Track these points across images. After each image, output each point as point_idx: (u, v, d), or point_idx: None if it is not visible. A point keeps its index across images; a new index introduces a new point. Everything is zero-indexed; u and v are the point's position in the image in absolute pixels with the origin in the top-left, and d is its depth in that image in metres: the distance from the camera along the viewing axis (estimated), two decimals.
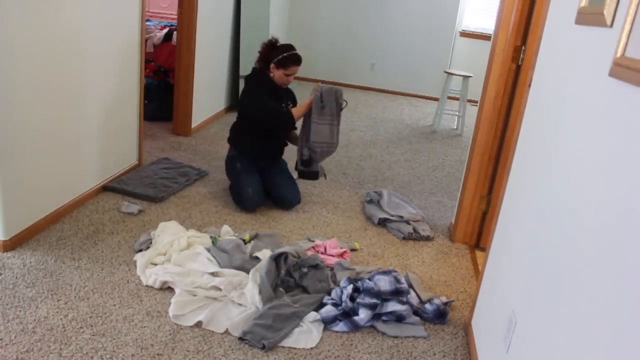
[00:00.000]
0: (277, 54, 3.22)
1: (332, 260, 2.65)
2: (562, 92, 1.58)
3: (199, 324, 2.11)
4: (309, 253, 2.67)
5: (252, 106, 3.24)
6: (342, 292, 2.32)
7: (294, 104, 3.44)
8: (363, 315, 2.21)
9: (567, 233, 1.33)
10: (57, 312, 2.10)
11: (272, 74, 3.25)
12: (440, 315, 2.32)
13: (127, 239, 2.71)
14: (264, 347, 2.01)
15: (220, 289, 2.29)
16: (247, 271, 2.40)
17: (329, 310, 2.24)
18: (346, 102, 3.25)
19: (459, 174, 4.27)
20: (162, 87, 4.84)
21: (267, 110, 3.22)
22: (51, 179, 2.74)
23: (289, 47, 3.29)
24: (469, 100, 6.25)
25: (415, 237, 3.10)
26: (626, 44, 1.08)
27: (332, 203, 3.50)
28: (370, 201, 3.47)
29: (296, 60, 3.27)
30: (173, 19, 5.73)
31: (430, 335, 2.25)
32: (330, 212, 3.36)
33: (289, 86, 3.47)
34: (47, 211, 2.73)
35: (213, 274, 2.39)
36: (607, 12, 1.23)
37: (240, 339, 2.05)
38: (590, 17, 1.39)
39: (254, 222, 3.08)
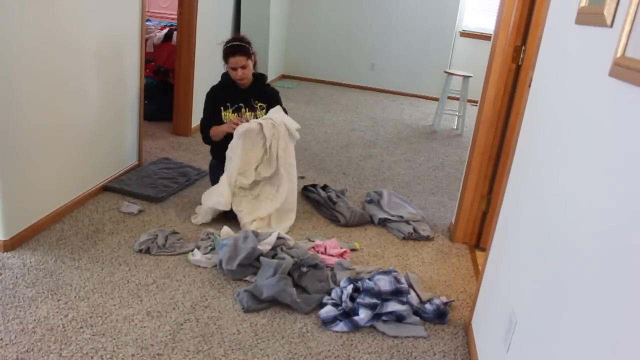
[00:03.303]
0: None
1: (332, 260, 2.65)
2: (562, 92, 1.58)
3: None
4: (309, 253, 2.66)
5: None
6: (342, 292, 2.32)
7: (269, 103, 3.18)
8: (363, 315, 2.21)
9: (567, 233, 1.33)
10: (57, 312, 2.10)
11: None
12: (440, 315, 2.32)
13: (127, 239, 2.70)
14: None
15: None
16: (256, 258, 2.47)
17: (328, 310, 2.24)
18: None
19: (459, 174, 4.27)
20: (162, 87, 4.85)
21: (200, 125, 3.19)
22: (51, 179, 2.74)
23: (233, 38, 3.08)
24: (469, 100, 6.25)
25: (415, 237, 3.10)
26: (626, 44, 1.08)
27: None
28: (370, 201, 3.47)
29: (232, 51, 3.01)
30: (173, 19, 5.73)
31: (430, 335, 2.25)
32: None
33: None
34: (47, 211, 2.74)
35: None
36: (607, 12, 1.23)
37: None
38: (590, 17, 1.39)
39: None
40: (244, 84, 3.14)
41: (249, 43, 3.10)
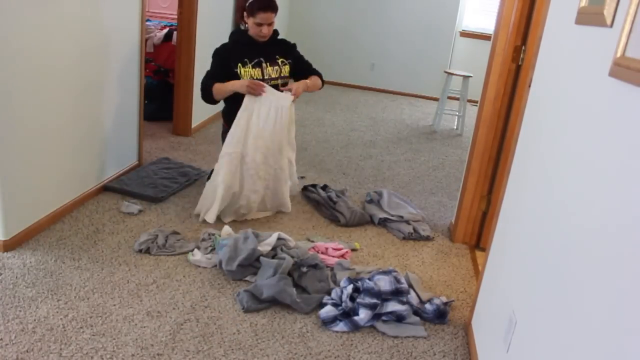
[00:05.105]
0: (249, 1, 2.89)
1: (332, 260, 2.65)
2: (562, 92, 1.58)
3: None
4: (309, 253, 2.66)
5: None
6: (342, 292, 2.32)
7: (287, 58, 3.10)
8: (363, 315, 2.21)
9: (567, 233, 1.33)
10: (57, 312, 2.10)
11: (248, 27, 2.96)
12: (440, 315, 2.32)
13: (127, 239, 2.71)
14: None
15: None
16: (256, 258, 2.48)
17: (328, 310, 2.24)
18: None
19: (459, 174, 4.27)
20: (162, 87, 4.85)
21: (203, 80, 2.98)
22: (51, 179, 2.74)
23: None
24: (469, 100, 6.25)
25: (415, 237, 3.10)
26: (626, 44, 1.08)
27: None
28: (370, 201, 3.47)
29: (264, 5, 2.86)
30: (173, 19, 5.73)
31: (430, 335, 2.25)
32: None
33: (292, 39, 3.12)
34: (47, 211, 2.73)
35: None
36: (607, 12, 1.23)
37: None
38: (590, 17, 1.39)
39: (254, 222, 3.07)
40: (264, 40, 3.00)
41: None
